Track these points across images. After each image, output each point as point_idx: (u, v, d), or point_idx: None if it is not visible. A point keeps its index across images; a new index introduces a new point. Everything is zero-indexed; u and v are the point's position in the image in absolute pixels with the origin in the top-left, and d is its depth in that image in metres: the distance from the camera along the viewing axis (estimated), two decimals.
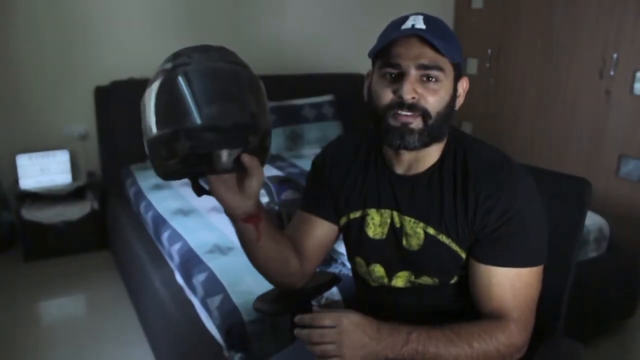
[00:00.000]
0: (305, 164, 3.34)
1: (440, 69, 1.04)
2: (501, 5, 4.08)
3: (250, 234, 1.09)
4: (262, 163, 1.03)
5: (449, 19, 4.56)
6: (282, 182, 2.22)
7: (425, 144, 1.09)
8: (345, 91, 4.07)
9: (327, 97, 3.95)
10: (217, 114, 0.93)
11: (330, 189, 1.27)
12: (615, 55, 3.27)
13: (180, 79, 0.93)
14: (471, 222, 1.10)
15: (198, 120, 0.92)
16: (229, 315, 1.68)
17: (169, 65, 0.96)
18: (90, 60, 3.49)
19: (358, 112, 4.11)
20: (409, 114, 1.05)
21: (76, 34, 3.43)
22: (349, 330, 0.98)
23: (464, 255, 1.13)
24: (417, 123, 1.06)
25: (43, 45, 3.37)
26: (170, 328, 2.03)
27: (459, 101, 1.13)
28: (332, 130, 3.85)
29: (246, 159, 0.96)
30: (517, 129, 4.05)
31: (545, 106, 3.81)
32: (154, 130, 0.95)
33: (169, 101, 0.94)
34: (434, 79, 1.05)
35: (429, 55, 1.03)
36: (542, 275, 1.12)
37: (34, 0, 3.28)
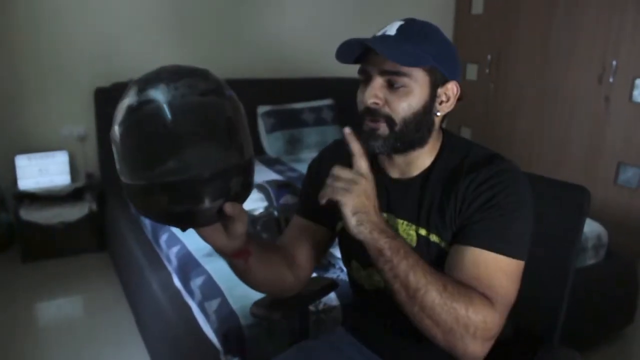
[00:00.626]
0: (305, 168, 3.32)
1: (404, 74, 1.04)
2: (501, 12, 4.09)
3: (241, 267, 1.09)
4: (246, 198, 0.97)
5: (449, 25, 4.58)
6: (280, 187, 2.22)
7: (397, 149, 1.10)
8: (345, 95, 4.03)
9: (326, 101, 3.95)
10: (193, 163, 0.84)
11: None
12: (614, 62, 3.27)
13: (147, 122, 0.84)
14: (459, 212, 1.08)
15: (172, 173, 0.83)
16: (226, 319, 1.68)
17: (133, 101, 0.86)
18: (90, 62, 3.49)
19: (357, 117, 4.11)
20: (372, 118, 1.08)
21: (76, 35, 3.43)
22: (365, 183, 0.97)
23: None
24: (383, 129, 1.08)
25: (43, 46, 3.37)
26: (168, 331, 2.02)
27: (446, 106, 1.11)
28: (332, 134, 3.85)
29: (229, 209, 0.90)
30: (516, 135, 4.06)
31: (544, 112, 3.81)
32: (126, 177, 0.88)
33: (137, 147, 0.86)
34: (399, 85, 1.05)
35: (391, 61, 1.03)
36: (521, 275, 1.06)
37: (33, 1, 3.29)
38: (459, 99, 1.13)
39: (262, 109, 3.75)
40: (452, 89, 1.11)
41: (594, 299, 2.35)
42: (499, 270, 1.02)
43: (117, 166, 0.91)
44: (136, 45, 3.58)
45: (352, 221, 0.95)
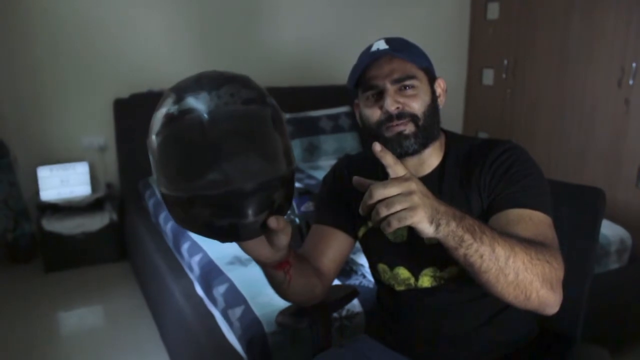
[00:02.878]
0: (323, 175, 3.35)
1: (412, 77, 1.16)
2: (517, 16, 4.07)
3: (280, 278, 1.08)
4: (288, 209, 0.95)
5: (464, 30, 4.57)
6: (301, 195, 2.23)
7: (423, 145, 1.18)
8: None
9: (343, 109, 3.96)
10: (236, 175, 0.81)
11: (345, 204, 1.30)
12: (634, 65, 3.24)
13: (188, 132, 0.80)
14: (482, 191, 1.16)
15: (213, 185, 0.80)
16: (250, 326, 1.69)
17: (172, 109, 0.83)
18: (109, 73, 3.54)
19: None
20: (399, 122, 1.15)
21: (96, 47, 3.48)
22: (419, 190, 0.86)
23: None
24: (409, 128, 1.16)
25: (63, 58, 3.43)
26: (190, 339, 2.03)
27: (441, 100, 1.24)
28: (349, 141, 3.86)
29: (273, 223, 0.88)
30: (534, 140, 4.03)
31: (563, 116, 3.78)
32: (165, 188, 0.85)
33: (177, 158, 0.83)
34: (410, 87, 1.16)
35: (399, 69, 1.15)
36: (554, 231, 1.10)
37: (54, 14, 3.35)
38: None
39: None
40: (440, 83, 1.25)
41: (619, 304, 2.32)
42: (540, 222, 1.08)
43: (154, 175, 0.88)
44: (155, 57, 3.62)
45: (431, 230, 0.85)
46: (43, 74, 3.41)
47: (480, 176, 1.16)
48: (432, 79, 1.22)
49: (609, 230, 2.38)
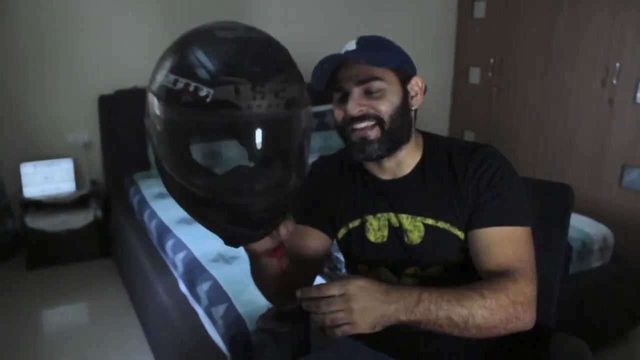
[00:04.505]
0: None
1: (378, 78, 1.12)
2: (503, 15, 4.09)
3: (273, 266, 1.09)
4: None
5: (451, 29, 4.58)
6: None
7: (389, 150, 1.17)
8: None
9: (329, 107, 3.94)
10: (263, 188, 0.77)
11: (323, 205, 1.31)
12: (617, 64, 3.27)
13: (221, 131, 0.73)
14: (465, 200, 1.16)
15: (238, 195, 0.76)
16: (233, 324, 1.68)
17: (205, 91, 0.71)
18: (94, 69, 3.51)
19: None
20: (362, 125, 1.13)
21: (81, 43, 3.45)
22: (357, 295, 0.94)
23: (462, 237, 1.18)
24: (374, 132, 1.14)
25: (48, 54, 3.39)
26: (174, 337, 2.03)
27: (417, 100, 1.20)
28: (335, 139, 3.84)
29: (284, 232, 0.93)
30: (519, 138, 4.05)
31: (548, 115, 3.81)
32: (180, 177, 0.77)
33: (204, 154, 0.77)
34: (375, 90, 1.13)
35: (363, 71, 1.12)
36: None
37: (37, 9, 3.31)
38: (424, 92, 1.22)
39: None
40: (417, 83, 1.20)
41: (600, 302, 2.34)
42: (518, 241, 1.13)
43: (159, 154, 0.78)
44: (139, 53, 3.59)
45: (375, 329, 0.96)
46: (27, 69, 3.37)
47: (463, 184, 1.16)
48: (405, 78, 1.18)
49: (592, 228, 2.41)
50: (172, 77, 0.75)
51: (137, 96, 3.51)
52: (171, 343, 2.08)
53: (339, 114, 1.18)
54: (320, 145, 3.79)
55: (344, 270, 1.98)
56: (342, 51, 1.16)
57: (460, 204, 1.17)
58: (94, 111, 3.53)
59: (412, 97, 1.19)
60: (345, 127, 1.17)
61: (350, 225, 1.28)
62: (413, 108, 1.19)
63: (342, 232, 1.30)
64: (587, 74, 3.49)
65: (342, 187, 1.30)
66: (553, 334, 1.31)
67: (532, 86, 3.91)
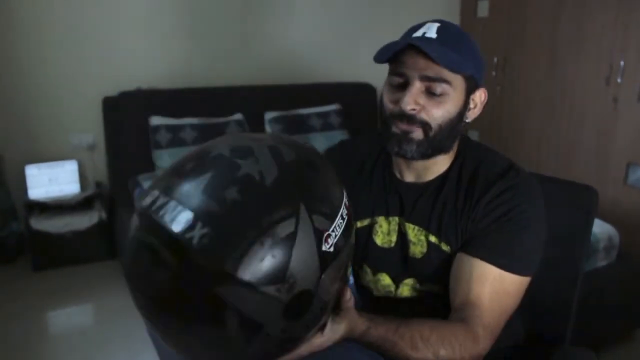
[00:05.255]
0: None
1: (446, 81, 1.02)
2: (507, 14, 4.08)
3: None
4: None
5: None
6: None
7: (426, 155, 1.09)
8: (352, 100, 4.08)
9: (333, 107, 3.95)
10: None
11: None
12: (622, 63, 3.26)
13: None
14: (471, 222, 1.08)
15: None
16: None
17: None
18: (98, 71, 3.51)
19: (364, 121, 4.11)
20: (408, 125, 1.05)
21: (84, 44, 3.46)
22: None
23: None
24: (417, 133, 1.06)
25: (51, 56, 3.40)
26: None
27: (474, 113, 1.12)
28: (339, 139, 3.82)
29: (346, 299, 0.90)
30: (523, 137, 4.04)
31: (552, 114, 3.80)
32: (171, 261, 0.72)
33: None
34: (438, 92, 1.03)
35: (435, 67, 1.00)
36: (525, 289, 1.08)
37: (41, 11, 3.32)
38: (484, 106, 1.14)
39: (269, 115, 3.76)
40: (480, 95, 1.12)
41: (606, 301, 2.33)
42: (501, 288, 1.03)
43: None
44: (144, 55, 3.60)
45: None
46: (31, 71, 3.37)
47: (476, 206, 1.08)
48: (472, 88, 1.08)
49: (597, 227, 2.40)
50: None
51: (140, 97, 3.53)
52: None
53: (390, 99, 1.07)
54: (324, 146, 3.78)
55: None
56: (420, 32, 1.04)
57: (464, 227, 1.09)
58: (98, 113, 3.53)
59: (470, 108, 1.11)
60: (389, 117, 1.08)
61: (359, 224, 1.24)
62: (467, 120, 1.11)
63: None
64: (591, 73, 3.48)
65: (357, 182, 1.24)
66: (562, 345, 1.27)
67: (536, 85, 3.90)
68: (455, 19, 4.56)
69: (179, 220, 0.71)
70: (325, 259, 0.76)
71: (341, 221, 0.79)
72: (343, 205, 0.82)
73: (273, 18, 3.97)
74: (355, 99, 4.09)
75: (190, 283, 0.70)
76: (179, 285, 0.71)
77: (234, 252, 0.69)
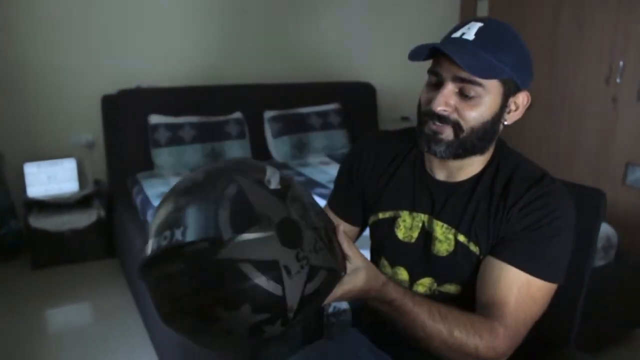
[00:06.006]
0: (311, 173, 3.34)
1: (479, 84, 1.02)
2: (506, 14, 4.08)
3: None
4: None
5: None
6: None
7: (457, 155, 1.08)
8: (352, 99, 4.08)
9: (333, 106, 3.96)
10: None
11: (360, 188, 1.28)
12: (621, 63, 3.26)
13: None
14: (503, 225, 1.07)
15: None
16: None
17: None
18: (97, 69, 3.51)
19: (364, 121, 4.12)
20: (439, 125, 1.05)
21: (83, 43, 3.46)
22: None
23: None
24: (447, 134, 1.06)
25: (50, 54, 3.40)
26: (178, 336, 2.02)
27: (514, 115, 1.11)
28: (338, 138, 3.85)
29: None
30: (523, 137, 4.04)
31: (552, 114, 3.80)
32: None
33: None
34: (471, 95, 1.03)
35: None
36: (553, 295, 1.08)
37: (40, 9, 3.32)
38: (527, 108, 1.13)
39: (268, 114, 3.76)
40: (522, 98, 1.11)
41: (604, 301, 2.33)
42: (528, 294, 1.04)
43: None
44: (142, 52, 3.60)
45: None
46: (30, 70, 3.37)
47: (509, 212, 1.07)
48: (511, 91, 1.07)
49: None
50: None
51: (140, 96, 3.53)
52: (174, 342, 2.08)
53: (426, 98, 1.08)
54: (324, 145, 3.80)
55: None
56: (459, 32, 1.04)
57: (496, 230, 1.08)
58: (97, 111, 3.53)
59: (509, 111, 1.10)
60: (422, 115, 1.09)
61: (380, 216, 1.24)
62: (505, 123, 1.11)
63: (372, 219, 1.27)
64: (590, 73, 3.48)
65: (385, 173, 1.25)
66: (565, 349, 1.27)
67: (536, 85, 3.86)
68: (455, 20, 4.56)
69: (165, 235, 0.83)
70: (280, 194, 0.88)
71: (272, 172, 0.94)
72: (268, 167, 0.96)
73: (273, 17, 3.97)
74: (355, 99, 4.09)
75: (198, 263, 0.80)
76: (198, 277, 0.81)
77: (210, 226, 0.81)
